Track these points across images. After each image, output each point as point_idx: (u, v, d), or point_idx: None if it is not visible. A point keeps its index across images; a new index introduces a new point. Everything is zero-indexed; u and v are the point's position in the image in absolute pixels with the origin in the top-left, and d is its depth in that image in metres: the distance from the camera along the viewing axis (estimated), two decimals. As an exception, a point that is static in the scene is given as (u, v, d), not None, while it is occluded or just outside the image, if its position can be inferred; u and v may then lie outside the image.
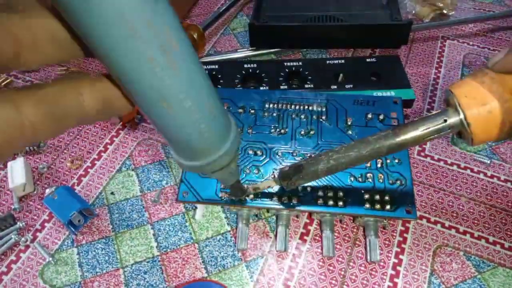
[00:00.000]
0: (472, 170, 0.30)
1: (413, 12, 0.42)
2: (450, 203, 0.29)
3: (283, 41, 0.39)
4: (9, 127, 0.10)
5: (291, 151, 0.28)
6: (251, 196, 0.25)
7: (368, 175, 0.26)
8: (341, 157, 0.20)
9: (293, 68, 0.35)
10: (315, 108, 0.30)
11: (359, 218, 0.26)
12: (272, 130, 0.29)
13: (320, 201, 0.25)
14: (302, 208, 0.25)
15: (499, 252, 0.26)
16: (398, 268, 0.26)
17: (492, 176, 0.30)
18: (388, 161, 0.27)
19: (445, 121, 0.18)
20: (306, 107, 0.30)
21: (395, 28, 0.37)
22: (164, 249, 0.27)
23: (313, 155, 0.22)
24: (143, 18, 0.10)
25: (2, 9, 0.11)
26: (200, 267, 0.26)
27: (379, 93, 0.33)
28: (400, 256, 0.26)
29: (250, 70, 0.35)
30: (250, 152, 0.28)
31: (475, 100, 0.17)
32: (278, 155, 0.28)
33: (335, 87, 0.33)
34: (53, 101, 0.11)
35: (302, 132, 0.29)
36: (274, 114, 0.30)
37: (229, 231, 0.27)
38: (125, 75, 0.11)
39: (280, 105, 0.30)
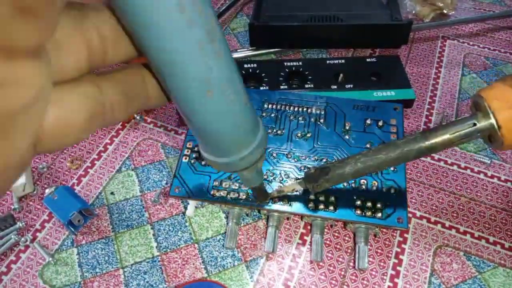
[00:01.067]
0: (472, 170, 0.30)
1: (413, 12, 0.42)
2: (451, 203, 0.29)
3: (283, 41, 0.39)
4: (94, 104, 0.11)
5: (286, 153, 0.28)
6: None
7: (362, 181, 0.26)
8: (368, 159, 0.20)
9: (293, 68, 0.35)
10: (313, 111, 0.30)
11: (350, 224, 0.26)
12: (269, 131, 0.29)
13: (311, 205, 0.25)
14: (292, 211, 0.25)
15: (500, 252, 0.26)
16: (398, 268, 0.26)
17: (492, 176, 0.30)
18: None
19: (475, 124, 0.18)
20: (305, 109, 0.30)
21: (395, 28, 0.37)
22: (164, 249, 0.27)
23: (336, 160, 0.22)
24: (195, 4, 0.11)
25: (78, 6, 0.11)
26: (200, 267, 0.26)
27: (379, 93, 0.33)
28: (400, 256, 0.26)
29: (250, 70, 0.35)
30: None
31: (506, 103, 0.17)
32: (273, 156, 0.28)
33: (335, 87, 0.33)
34: (126, 83, 0.12)
35: (299, 134, 0.29)
36: (272, 115, 0.30)
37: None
38: (175, 64, 0.11)
39: (279, 106, 0.30)
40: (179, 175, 0.27)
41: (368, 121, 0.29)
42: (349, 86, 0.33)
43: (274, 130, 0.29)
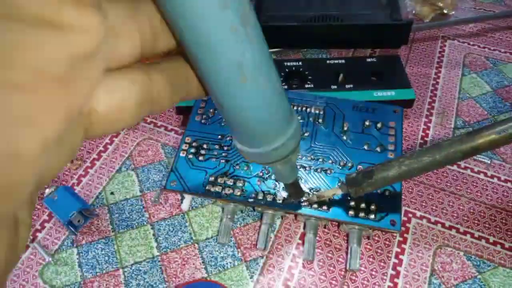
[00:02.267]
0: (472, 170, 0.30)
1: (413, 12, 0.42)
2: (451, 203, 0.29)
3: (283, 41, 0.39)
4: (144, 91, 0.11)
5: None
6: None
7: None
8: (413, 162, 0.20)
9: (293, 68, 0.35)
10: (312, 111, 0.30)
11: (343, 224, 0.26)
12: None
13: (304, 203, 0.25)
14: (285, 208, 0.25)
15: (500, 252, 0.26)
16: (398, 268, 0.26)
17: (492, 176, 0.30)
18: None
19: None
20: (304, 108, 0.30)
21: (395, 28, 0.37)
22: (164, 249, 0.27)
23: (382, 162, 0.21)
24: None
25: None
26: (200, 267, 0.26)
27: (379, 93, 0.33)
28: (400, 256, 0.26)
29: None
30: None
31: None
32: None
33: (335, 87, 0.33)
34: (171, 72, 0.13)
35: None
36: None
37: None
38: (207, 48, 0.12)
39: None
40: (175, 169, 0.27)
41: (367, 123, 0.29)
42: (349, 86, 0.33)
43: None
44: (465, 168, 0.31)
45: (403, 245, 0.26)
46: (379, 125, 0.29)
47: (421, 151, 0.20)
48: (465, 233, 0.27)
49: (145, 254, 0.26)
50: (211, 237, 0.27)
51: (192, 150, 0.28)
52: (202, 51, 0.12)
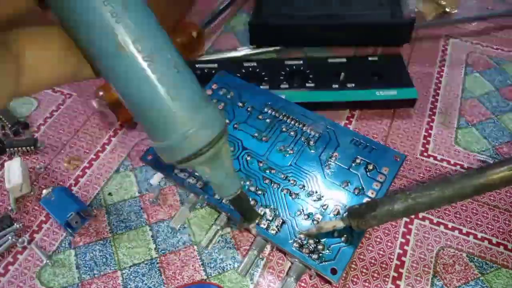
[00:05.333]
0: (475, 171, 0.30)
1: (415, 10, 0.42)
2: (453, 204, 0.28)
3: (283, 40, 0.38)
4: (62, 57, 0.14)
5: (259, 160, 0.27)
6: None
7: (317, 216, 0.25)
8: (419, 196, 0.18)
9: (294, 67, 0.35)
10: (308, 130, 0.29)
11: (289, 255, 0.24)
12: (255, 134, 0.29)
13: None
14: (236, 217, 0.25)
15: (503, 254, 0.26)
16: (400, 270, 0.25)
17: (495, 177, 0.30)
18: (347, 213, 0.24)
19: None
20: (301, 125, 0.29)
21: (397, 27, 0.37)
22: (163, 251, 0.26)
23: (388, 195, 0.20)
24: None
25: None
26: (199, 269, 0.25)
27: (381, 92, 0.32)
28: (403, 258, 0.26)
29: (250, 69, 0.35)
30: None
31: None
32: (246, 158, 0.27)
33: (337, 86, 0.33)
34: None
35: (281, 148, 0.28)
36: (267, 120, 0.29)
37: (229, 233, 0.27)
38: (84, 24, 0.12)
39: (277, 114, 0.30)
40: None
41: (358, 160, 0.27)
42: (350, 85, 0.33)
43: (261, 135, 0.29)
44: (468, 168, 0.30)
45: (405, 247, 0.26)
46: (370, 166, 0.27)
47: (429, 185, 0.18)
48: (468, 234, 0.27)
49: (144, 256, 0.26)
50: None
51: None
52: (72, 18, 0.13)
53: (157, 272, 0.25)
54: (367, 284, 0.25)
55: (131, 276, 0.25)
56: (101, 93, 0.31)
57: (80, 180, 0.30)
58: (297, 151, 0.28)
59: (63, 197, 0.27)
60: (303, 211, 0.25)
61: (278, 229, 0.24)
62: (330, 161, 0.27)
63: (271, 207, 0.25)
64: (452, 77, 0.37)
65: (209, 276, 0.25)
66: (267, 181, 0.27)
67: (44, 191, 0.28)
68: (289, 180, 0.26)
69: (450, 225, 0.27)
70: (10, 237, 0.26)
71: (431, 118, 0.34)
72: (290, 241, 0.24)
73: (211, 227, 0.26)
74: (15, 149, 0.31)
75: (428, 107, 0.34)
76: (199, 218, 0.28)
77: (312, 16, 0.37)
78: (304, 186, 0.26)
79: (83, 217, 0.27)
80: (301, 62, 0.35)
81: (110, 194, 0.29)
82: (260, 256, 0.26)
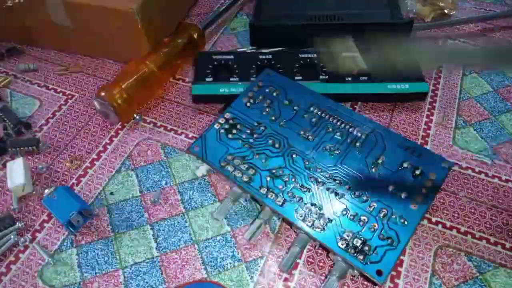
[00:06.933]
0: (473, 171, 0.30)
1: (414, 11, 0.42)
2: (452, 204, 0.28)
3: (284, 41, 0.39)
4: None
5: (305, 159, 0.28)
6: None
7: (363, 217, 0.25)
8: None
9: (308, 60, 0.35)
10: (355, 132, 0.29)
11: (332, 253, 0.24)
12: (301, 132, 0.29)
13: (300, 214, 0.25)
14: (281, 212, 0.25)
15: (501, 253, 0.26)
16: (399, 269, 0.25)
17: (493, 177, 0.30)
18: (394, 216, 0.25)
19: None
20: (347, 126, 0.29)
21: (396, 27, 0.37)
22: (164, 250, 0.26)
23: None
24: None
25: None
26: (200, 268, 0.26)
27: (394, 86, 0.33)
28: (401, 257, 0.26)
29: (266, 61, 0.35)
30: (270, 141, 0.29)
31: None
32: (292, 156, 0.28)
33: (350, 79, 0.34)
34: None
35: (327, 147, 0.28)
36: (313, 119, 0.30)
37: (229, 232, 0.27)
38: None
39: (324, 114, 0.30)
40: (204, 136, 0.29)
41: (405, 165, 0.27)
42: (363, 78, 0.34)
43: (307, 134, 0.29)
44: (467, 168, 0.30)
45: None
46: (417, 171, 0.26)
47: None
48: (466, 233, 0.27)
49: (145, 255, 0.26)
50: (211, 238, 0.27)
51: (226, 126, 0.29)
52: None
53: (158, 271, 0.26)
54: (366, 283, 0.25)
55: (132, 275, 0.25)
56: (102, 93, 0.32)
57: (82, 180, 0.30)
58: (343, 152, 0.28)
59: (65, 197, 0.27)
60: (348, 211, 0.25)
61: (323, 227, 0.25)
62: (377, 163, 0.27)
63: (316, 204, 0.26)
64: (450, 77, 0.37)
65: (210, 275, 0.25)
66: (312, 179, 0.27)
67: (46, 191, 0.28)
68: (334, 180, 0.27)
69: (448, 224, 0.27)
70: (12, 236, 0.27)
71: (429, 118, 0.34)
72: (336, 240, 0.24)
73: (254, 219, 0.27)
74: (18, 149, 0.31)
75: (426, 108, 0.35)
76: (200, 217, 0.28)
77: (312, 17, 0.38)
78: (350, 187, 0.26)
79: (85, 216, 0.27)
80: (314, 55, 0.35)
81: (111, 193, 0.29)
82: (260, 255, 0.26)
